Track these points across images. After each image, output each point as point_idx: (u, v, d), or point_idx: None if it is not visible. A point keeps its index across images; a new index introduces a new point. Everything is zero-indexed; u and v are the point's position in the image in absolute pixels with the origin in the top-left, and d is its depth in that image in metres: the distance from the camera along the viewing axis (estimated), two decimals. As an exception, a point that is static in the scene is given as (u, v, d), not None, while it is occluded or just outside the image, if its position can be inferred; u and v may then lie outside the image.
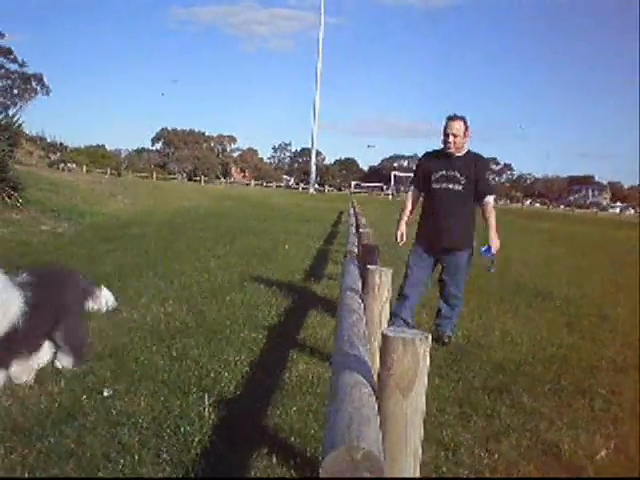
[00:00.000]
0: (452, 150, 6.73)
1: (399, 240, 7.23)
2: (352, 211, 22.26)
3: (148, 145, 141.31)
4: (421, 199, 7.18)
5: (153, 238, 15.78)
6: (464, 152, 6.81)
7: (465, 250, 6.92)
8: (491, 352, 6.69)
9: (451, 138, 6.66)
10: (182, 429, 4.12)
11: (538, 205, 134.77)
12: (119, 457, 3.72)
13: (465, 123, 6.71)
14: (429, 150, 7.14)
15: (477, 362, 6.26)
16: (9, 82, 68.21)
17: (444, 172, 6.79)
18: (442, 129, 6.76)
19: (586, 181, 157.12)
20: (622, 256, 20.41)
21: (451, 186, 6.76)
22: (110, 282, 9.02)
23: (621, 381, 6.03)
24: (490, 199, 6.91)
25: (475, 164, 6.80)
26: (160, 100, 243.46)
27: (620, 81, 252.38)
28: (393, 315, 6.60)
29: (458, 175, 6.74)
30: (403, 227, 7.22)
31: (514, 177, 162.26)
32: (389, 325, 6.51)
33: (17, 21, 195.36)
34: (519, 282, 12.30)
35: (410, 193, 7.29)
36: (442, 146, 6.85)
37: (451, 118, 6.71)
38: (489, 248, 6.87)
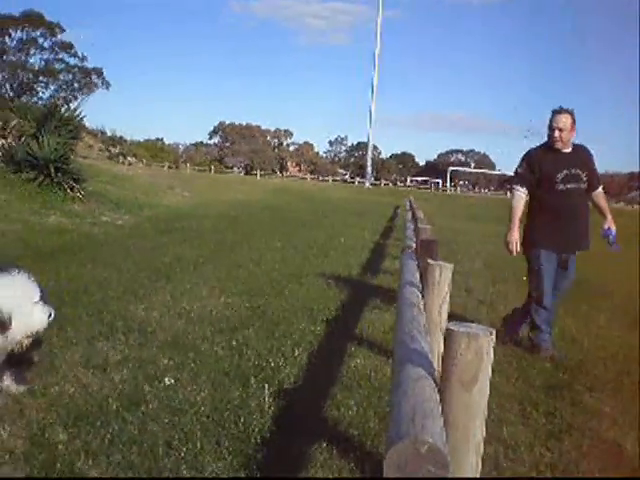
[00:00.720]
0: (559, 145, 6.45)
1: (513, 249, 6.76)
2: (409, 206, 22.17)
3: (205, 139, 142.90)
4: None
5: (211, 230, 15.96)
6: (571, 147, 6.54)
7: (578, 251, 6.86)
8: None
9: (557, 133, 6.38)
10: (242, 419, 4.17)
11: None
12: (181, 445, 3.78)
13: (572, 117, 6.43)
14: (532, 147, 6.75)
15: (537, 360, 6.18)
16: (70, 76, 69.55)
17: (567, 171, 6.46)
18: (548, 123, 6.50)
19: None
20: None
21: (577, 185, 6.49)
22: (169, 273, 9.21)
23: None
24: (600, 188, 6.74)
25: (586, 157, 6.62)
26: (218, 94, 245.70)
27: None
28: (535, 327, 6.52)
29: (580, 173, 6.48)
30: (516, 234, 6.72)
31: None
32: (530, 336, 6.50)
33: (79, 15, 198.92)
34: (578, 279, 12.06)
35: (519, 194, 6.71)
36: (546, 141, 6.58)
37: (557, 111, 6.42)
38: (610, 229, 6.79)
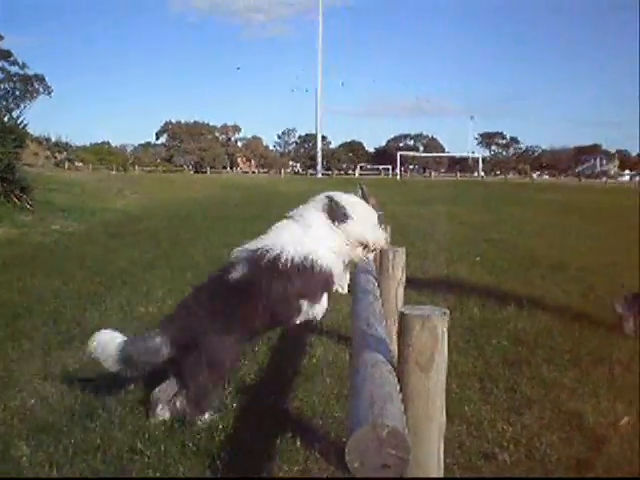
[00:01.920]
0: None
1: None
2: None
3: (153, 139, 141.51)
4: None
5: (163, 231, 15.84)
6: None
7: None
8: (509, 326, 6.68)
9: None
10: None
11: (547, 177, 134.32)
12: (145, 449, 3.75)
13: None
14: None
15: (494, 336, 6.26)
16: (11, 84, 68.29)
17: None
18: None
19: (593, 150, 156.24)
20: (635, 223, 20.30)
21: None
22: (124, 277, 9.12)
23: (640, 348, 6.02)
24: None
25: None
26: (162, 93, 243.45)
27: (623, 48, 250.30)
28: None
29: None
30: None
31: (521, 150, 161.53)
32: None
33: (15, 23, 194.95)
34: (531, 255, 12.28)
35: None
36: None
37: None
38: None
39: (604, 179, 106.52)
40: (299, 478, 3.49)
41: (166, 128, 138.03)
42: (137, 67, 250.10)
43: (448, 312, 2.34)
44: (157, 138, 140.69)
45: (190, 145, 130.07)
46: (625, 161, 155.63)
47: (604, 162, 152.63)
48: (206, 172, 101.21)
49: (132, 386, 4.78)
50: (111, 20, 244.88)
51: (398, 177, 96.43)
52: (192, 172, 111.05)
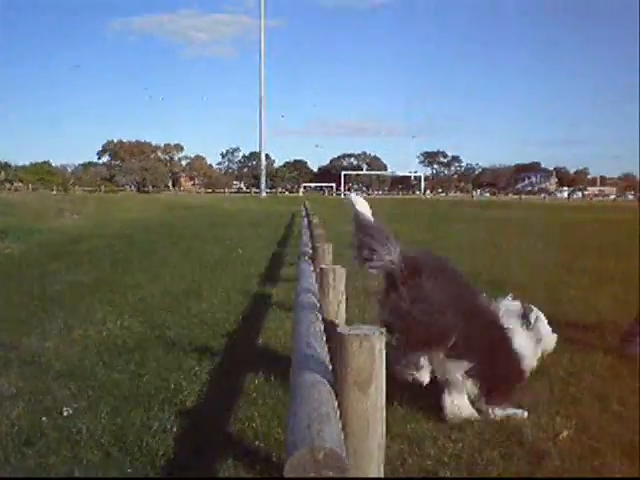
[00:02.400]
0: None
1: None
2: (304, 212, 22.30)
3: (94, 159, 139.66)
4: None
5: (104, 252, 15.61)
6: None
7: None
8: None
9: None
10: (145, 442, 4.08)
11: (487, 195, 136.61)
12: (81, 475, 3.67)
13: None
14: None
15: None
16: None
17: None
18: None
19: (532, 168, 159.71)
20: (572, 239, 20.76)
21: None
22: (63, 300, 8.94)
23: (578, 362, 6.12)
24: None
25: None
26: (104, 112, 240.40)
27: (566, 66, 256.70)
28: None
29: None
30: None
31: (462, 169, 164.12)
32: None
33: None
34: (472, 272, 12.40)
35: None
36: None
37: None
38: None
39: (543, 196, 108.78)
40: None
41: (108, 147, 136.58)
42: (78, 86, 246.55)
43: (385, 331, 2.34)
44: (99, 157, 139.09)
45: (132, 164, 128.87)
46: (563, 178, 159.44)
47: (543, 179, 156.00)
48: (149, 191, 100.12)
49: (68, 411, 4.68)
50: (52, 38, 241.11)
51: (342, 196, 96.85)
52: (134, 192, 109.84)
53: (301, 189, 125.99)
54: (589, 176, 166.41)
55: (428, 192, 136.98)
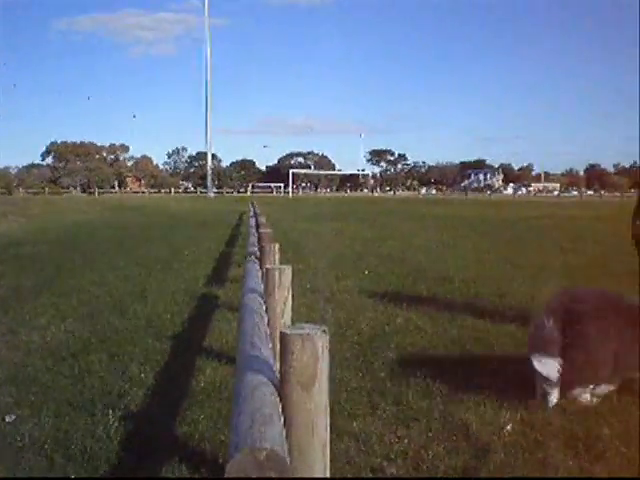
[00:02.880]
0: None
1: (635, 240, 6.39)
2: (252, 212, 22.22)
3: (38, 160, 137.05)
4: None
5: (48, 255, 15.34)
6: None
7: None
8: (397, 339, 6.78)
9: None
10: (89, 448, 4.02)
11: (434, 192, 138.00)
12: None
13: None
14: None
15: (383, 350, 6.34)
16: None
17: None
18: None
19: (478, 165, 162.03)
20: (517, 234, 21.10)
21: None
22: (5, 305, 8.75)
23: (522, 355, 6.21)
24: None
25: None
26: (48, 113, 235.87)
27: (509, 63, 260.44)
28: None
29: None
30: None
31: (409, 167, 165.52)
32: None
33: None
34: (419, 268, 12.55)
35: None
36: None
37: None
38: None
39: (488, 192, 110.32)
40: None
41: (51, 148, 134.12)
42: (21, 86, 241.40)
43: (327, 330, 2.34)
44: (42, 159, 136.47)
45: (77, 165, 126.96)
46: (508, 174, 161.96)
47: (488, 176, 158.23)
48: (94, 193, 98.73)
49: (11, 417, 4.59)
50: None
51: (290, 195, 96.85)
52: (80, 193, 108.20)
53: (249, 189, 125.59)
54: (533, 172, 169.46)
55: (377, 190, 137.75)
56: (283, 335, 2.34)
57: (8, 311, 8.44)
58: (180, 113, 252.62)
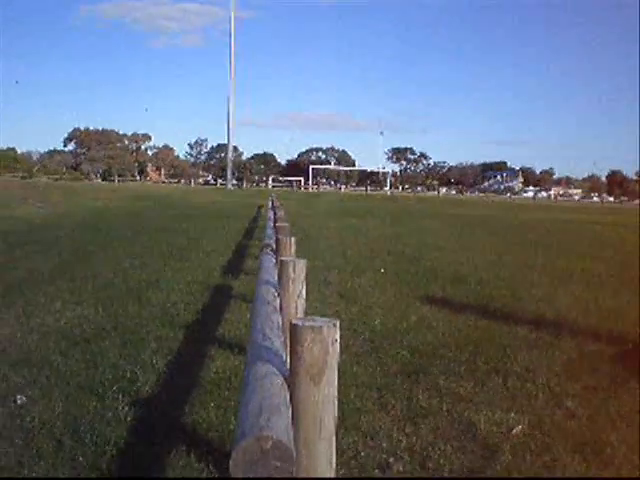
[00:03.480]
0: None
1: None
2: (271, 205, 22.23)
3: (60, 146, 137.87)
4: None
5: (67, 241, 15.43)
6: None
7: None
8: (409, 337, 6.78)
9: None
10: (98, 432, 4.05)
11: (454, 192, 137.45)
12: (33, 464, 3.63)
13: None
14: None
15: (395, 347, 6.34)
16: None
17: None
18: None
19: (499, 167, 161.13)
20: (536, 237, 20.99)
21: None
22: (22, 287, 8.82)
23: (534, 358, 6.20)
24: None
25: None
26: (71, 99, 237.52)
27: (532, 70, 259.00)
28: None
29: None
30: None
31: (430, 166, 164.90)
32: None
33: None
34: (434, 268, 12.52)
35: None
36: None
37: None
38: None
39: (508, 195, 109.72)
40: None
41: (74, 135, 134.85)
42: (45, 72, 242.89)
43: (338, 323, 2.34)
44: (64, 145, 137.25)
45: (98, 153, 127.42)
46: (529, 178, 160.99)
47: (508, 178, 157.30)
48: (114, 181, 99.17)
49: (22, 399, 4.62)
50: (19, 24, 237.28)
51: (309, 190, 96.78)
52: (100, 181, 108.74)
53: (269, 182, 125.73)
54: (554, 176, 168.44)
55: (398, 189, 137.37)
56: (294, 326, 2.34)
57: (24, 294, 8.50)
58: (203, 104, 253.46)
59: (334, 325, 2.35)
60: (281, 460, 1.72)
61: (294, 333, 2.34)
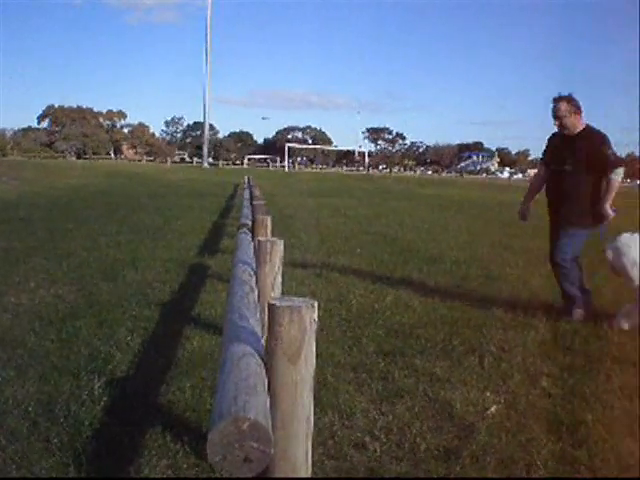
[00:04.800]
0: (564, 131, 6.91)
1: (519, 218, 7.68)
2: (247, 184, 22.17)
3: (34, 124, 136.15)
4: None
5: (41, 219, 15.28)
6: (580, 129, 6.88)
7: (575, 228, 6.96)
8: (385, 317, 6.79)
9: (557, 121, 6.86)
10: (72, 412, 4.01)
11: (430, 173, 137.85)
12: (7, 444, 3.59)
13: (569, 102, 6.78)
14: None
15: (371, 327, 6.35)
16: None
17: (558, 152, 7.03)
18: None
19: (475, 148, 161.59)
20: (511, 218, 21.06)
21: (561, 167, 6.93)
22: (-5, 266, 8.72)
23: (510, 338, 6.24)
24: (612, 175, 6.76)
25: (589, 144, 6.80)
26: (45, 76, 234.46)
27: (509, 50, 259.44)
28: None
29: (568, 155, 6.85)
30: (525, 204, 7.63)
31: (406, 146, 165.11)
32: None
33: None
34: (411, 248, 12.56)
35: (537, 170, 7.86)
36: None
37: (554, 99, 6.85)
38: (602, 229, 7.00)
39: (485, 175, 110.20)
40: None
41: (48, 112, 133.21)
42: (18, 48, 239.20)
43: (316, 304, 2.33)
44: (39, 122, 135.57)
45: (73, 130, 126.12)
46: (505, 158, 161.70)
47: (485, 159, 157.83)
48: (89, 159, 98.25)
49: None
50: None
51: (285, 169, 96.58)
52: (75, 158, 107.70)
53: (245, 160, 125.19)
54: (530, 158, 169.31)
55: (373, 169, 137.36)
56: (271, 306, 2.33)
57: (-2, 272, 8.41)
58: (178, 82, 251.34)
59: (312, 305, 2.34)
60: (258, 441, 1.72)
61: (272, 313, 2.32)
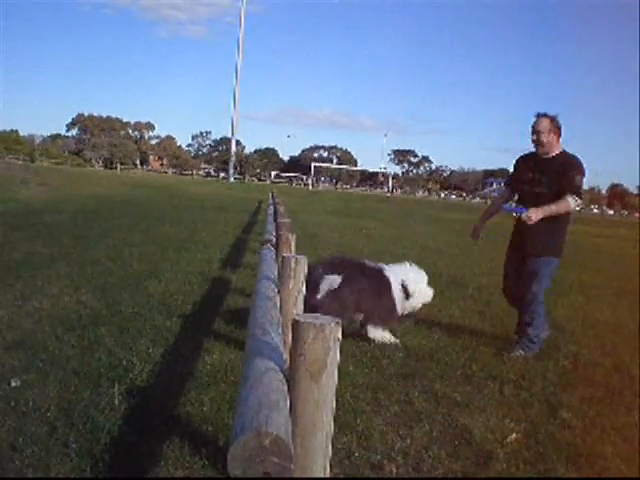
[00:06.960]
0: (539, 150, 6.64)
1: (471, 236, 7.53)
2: (271, 200, 22.23)
3: (63, 131, 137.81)
4: None
5: (66, 226, 15.40)
6: (556, 153, 6.65)
7: (544, 257, 6.71)
8: (405, 339, 6.77)
9: (534, 135, 6.59)
10: (91, 419, 4.03)
11: (453, 197, 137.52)
12: (26, 447, 3.61)
13: (552, 121, 6.55)
14: (524, 153, 7.03)
15: (391, 349, 6.33)
16: None
17: (531, 175, 6.71)
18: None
19: (501, 174, 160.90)
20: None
21: (536, 190, 6.63)
22: (20, 270, 8.80)
23: (531, 366, 6.19)
24: (569, 198, 6.44)
25: (563, 165, 6.55)
26: (76, 85, 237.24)
27: (537, 78, 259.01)
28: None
29: (543, 178, 6.59)
30: (479, 224, 7.51)
31: (431, 170, 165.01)
32: None
33: None
34: (434, 271, 12.49)
35: (500, 192, 7.66)
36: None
37: (537, 114, 6.62)
38: (521, 209, 6.69)
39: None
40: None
41: (78, 120, 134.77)
42: (51, 56, 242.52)
43: (341, 322, 2.33)
44: (67, 130, 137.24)
45: (101, 140, 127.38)
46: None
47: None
48: (116, 168, 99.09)
49: (17, 382, 4.60)
50: (26, 8, 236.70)
51: (310, 187, 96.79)
52: (101, 167, 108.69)
53: (270, 177, 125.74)
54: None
55: (397, 190, 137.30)
56: (296, 322, 2.33)
57: (22, 277, 8.48)
58: (207, 96, 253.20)
59: (337, 324, 2.33)
60: (279, 457, 1.71)
61: (296, 329, 2.32)
